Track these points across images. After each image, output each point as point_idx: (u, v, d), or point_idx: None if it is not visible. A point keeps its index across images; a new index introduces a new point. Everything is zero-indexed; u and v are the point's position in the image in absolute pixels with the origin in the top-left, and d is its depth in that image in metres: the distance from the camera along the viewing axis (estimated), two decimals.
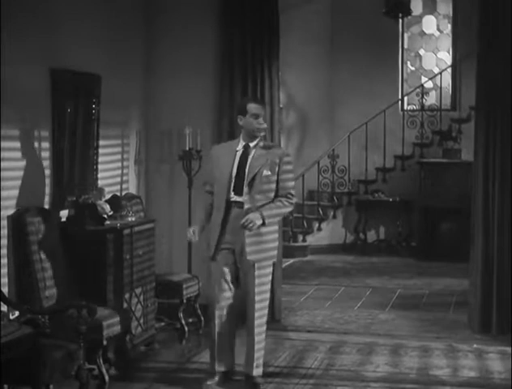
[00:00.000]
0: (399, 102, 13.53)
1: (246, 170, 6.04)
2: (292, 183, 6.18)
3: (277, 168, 6.06)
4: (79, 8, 7.13)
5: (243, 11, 7.99)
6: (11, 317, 5.69)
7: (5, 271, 6.06)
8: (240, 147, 6.13)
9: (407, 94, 13.59)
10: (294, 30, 12.21)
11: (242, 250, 6.02)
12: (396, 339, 7.62)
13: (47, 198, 6.67)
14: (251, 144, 6.13)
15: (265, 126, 6.21)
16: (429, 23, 13.82)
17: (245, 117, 6.11)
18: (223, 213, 6.06)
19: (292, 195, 6.14)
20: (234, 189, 6.06)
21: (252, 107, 6.10)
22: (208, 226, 6.23)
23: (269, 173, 6.03)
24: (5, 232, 6.05)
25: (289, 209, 6.22)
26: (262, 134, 6.20)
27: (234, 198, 6.05)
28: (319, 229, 13.11)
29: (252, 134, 6.11)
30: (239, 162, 6.07)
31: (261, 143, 6.18)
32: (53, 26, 6.68)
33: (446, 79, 13.47)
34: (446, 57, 13.76)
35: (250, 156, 6.08)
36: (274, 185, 6.07)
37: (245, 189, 6.03)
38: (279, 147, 7.42)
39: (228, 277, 6.15)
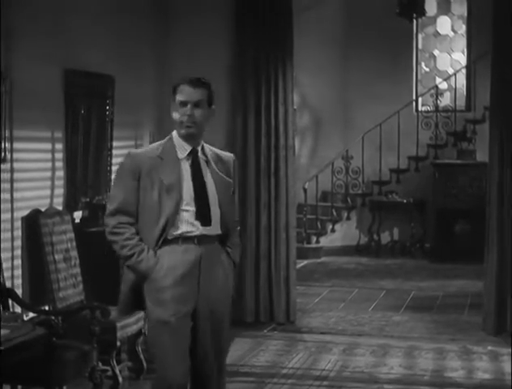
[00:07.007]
0: (413, 103, 13.49)
1: (209, 188, 4.22)
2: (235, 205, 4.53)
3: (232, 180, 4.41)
4: (93, 10, 7.14)
5: (257, 13, 7.97)
6: (25, 318, 5.70)
7: (19, 272, 6.08)
8: (183, 155, 4.22)
9: (422, 95, 13.55)
10: (308, 31, 12.18)
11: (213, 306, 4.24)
12: (410, 341, 7.59)
13: (61, 200, 6.69)
14: (198, 149, 4.27)
15: (196, 119, 4.18)
16: (444, 24, 13.77)
17: (173, 104, 4.24)
18: (189, 255, 4.16)
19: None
20: (199, 217, 4.18)
21: (182, 89, 4.22)
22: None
23: (232, 189, 4.38)
24: (19, 233, 6.07)
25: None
26: (189, 131, 4.20)
27: (200, 230, 4.19)
28: (333, 231, 13.09)
29: (178, 131, 4.25)
30: (193, 177, 4.20)
31: (208, 148, 4.37)
32: (67, 27, 6.70)
33: (461, 80, 13.41)
34: (461, 57, 13.71)
35: (205, 167, 4.26)
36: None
37: (214, 216, 4.21)
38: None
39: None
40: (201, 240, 4.18)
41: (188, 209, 4.16)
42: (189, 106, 4.17)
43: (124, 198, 4.18)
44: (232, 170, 4.39)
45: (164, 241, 4.15)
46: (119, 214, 4.18)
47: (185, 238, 4.16)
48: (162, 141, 4.33)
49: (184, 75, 4.35)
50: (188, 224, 4.16)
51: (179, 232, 4.16)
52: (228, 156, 4.45)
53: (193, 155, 4.24)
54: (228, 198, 4.31)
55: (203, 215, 4.18)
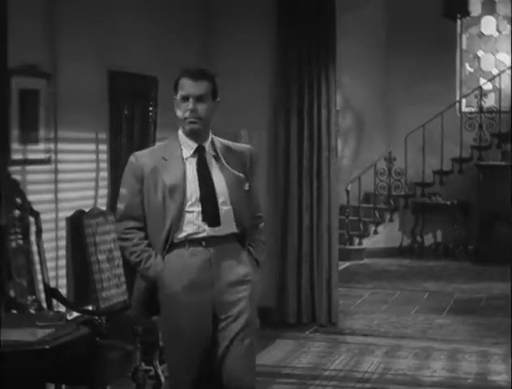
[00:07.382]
0: (457, 104, 13.39)
1: (218, 186, 3.95)
2: (259, 196, 4.29)
3: (247, 174, 4.10)
4: (137, 11, 7.18)
5: (300, 14, 7.96)
6: (69, 317, 5.74)
7: (63, 272, 6.13)
8: (189, 153, 3.98)
9: (465, 96, 13.45)
10: (350, 32, 12.14)
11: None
12: (453, 343, 7.53)
13: (104, 200, 6.73)
14: (206, 145, 4.04)
15: (200, 114, 3.96)
16: (488, 24, 13.66)
17: (176, 100, 3.99)
18: (197, 258, 3.92)
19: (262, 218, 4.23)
20: (205, 217, 3.93)
21: (183, 83, 3.94)
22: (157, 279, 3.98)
23: (247, 183, 4.07)
24: (63, 233, 6.12)
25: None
26: (194, 127, 3.96)
27: (207, 231, 3.93)
28: (375, 232, 13.04)
29: (182, 128, 4.01)
30: (199, 176, 3.94)
31: (219, 141, 4.13)
32: (111, 29, 6.73)
33: (506, 81, 13.28)
34: (506, 58, 13.58)
35: (214, 164, 4.00)
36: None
37: (226, 215, 3.95)
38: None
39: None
40: (210, 241, 3.92)
41: (193, 210, 3.91)
42: (191, 100, 3.90)
43: (129, 202, 3.99)
44: (249, 162, 4.10)
45: (171, 245, 3.93)
46: (126, 219, 4.00)
47: (191, 241, 3.92)
48: (167, 140, 4.12)
49: (186, 67, 4.06)
50: (193, 225, 3.91)
51: (183, 234, 3.92)
52: (242, 147, 4.18)
53: (199, 152, 3.98)
54: (241, 195, 4.00)
55: (210, 216, 3.91)
